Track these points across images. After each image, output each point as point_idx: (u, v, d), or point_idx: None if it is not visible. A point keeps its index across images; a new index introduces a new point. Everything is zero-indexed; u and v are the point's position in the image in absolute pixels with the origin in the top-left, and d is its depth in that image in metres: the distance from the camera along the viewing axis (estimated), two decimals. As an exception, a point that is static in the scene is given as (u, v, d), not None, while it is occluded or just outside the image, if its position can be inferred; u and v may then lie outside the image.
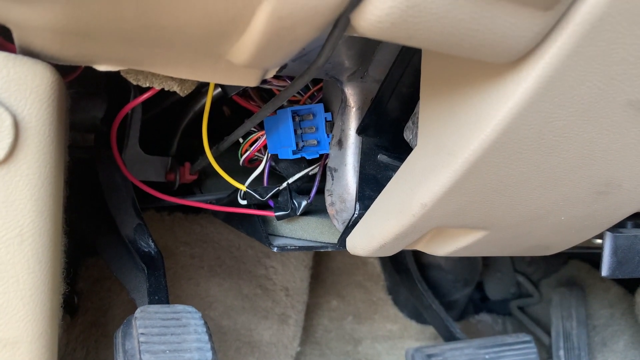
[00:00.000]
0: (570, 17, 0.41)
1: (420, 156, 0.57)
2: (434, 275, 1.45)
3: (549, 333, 1.52)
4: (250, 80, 0.51)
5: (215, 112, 0.94)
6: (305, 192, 0.84)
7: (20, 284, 0.48)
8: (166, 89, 0.55)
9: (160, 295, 0.67)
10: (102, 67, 0.50)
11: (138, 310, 0.59)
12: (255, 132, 0.80)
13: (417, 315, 1.51)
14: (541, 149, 0.52)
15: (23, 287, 0.49)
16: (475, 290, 1.61)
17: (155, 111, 0.96)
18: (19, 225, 0.47)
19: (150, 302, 0.66)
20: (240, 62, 0.43)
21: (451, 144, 0.53)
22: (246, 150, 0.81)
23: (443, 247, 0.70)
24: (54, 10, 0.37)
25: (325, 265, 1.48)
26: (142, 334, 0.56)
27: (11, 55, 0.46)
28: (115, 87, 0.73)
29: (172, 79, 0.55)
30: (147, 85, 0.54)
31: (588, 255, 1.55)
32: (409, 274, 1.33)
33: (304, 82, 0.56)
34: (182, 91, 0.56)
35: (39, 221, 0.49)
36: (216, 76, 0.51)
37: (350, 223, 0.68)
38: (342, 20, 0.39)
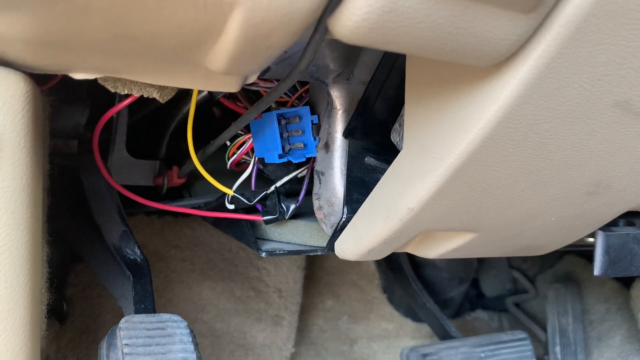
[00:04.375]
0: (553, 18, 0.40)
1: (406, 160, 0.56)
2: (428, 273, 1.45)
3: (545, 329, 1.51)
4: (230, 86, 0.50)
5: (206, 113, 0.93)
6: (294, 194, 0.83)
7: (-3, 299, 0.47)
8: (145, 95, 0.54)
9: (147, 303, 0.66)
10: (78, 76, 0.49)
11: (122, 320, 0.58)
12: (242, 134, 0.79)
13: (413, 313, 1.50)
14: (528, 151, 0.51)
15: (0, 301, 0.47)
16: (470, 287, 1.60)
17: (143, 114, 0.95)
18: (-6, 239, 0.46)
19: (137, 311, 0.65)
20: (217, 69, 0.42)
21: (437, 147, 0.52)
22: (233, 154, 0.79)
23: (433, 250, 0.69)
24: (21, 22, 0.36)
25: (319, 264, 1.47)
26: (126, 344, 0.55)
27: (-17, 66, 0.45)
28: (98, 92, 0.72)
29: (151, 85, 0.54)
30: (126, 92, 0.53)
31: (583, 250, 1.54)
32: (403, 272, 1.32)
33: (287, 87, 0.55)
34: (161, 98, 0.55)
35: (15, 234, 0.48)
36: (195, 83, 0.50)
37: (339, 227, 0.67)
38: (321, 25, 0.38)
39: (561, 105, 0.47)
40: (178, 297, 1.13)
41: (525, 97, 0.45)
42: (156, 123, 0.98)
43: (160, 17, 0.35)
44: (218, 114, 0.98)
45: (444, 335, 1.24)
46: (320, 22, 0.38)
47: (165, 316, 0.60)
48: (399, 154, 0.57)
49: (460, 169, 0.51)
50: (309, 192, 0.76)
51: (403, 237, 0.60)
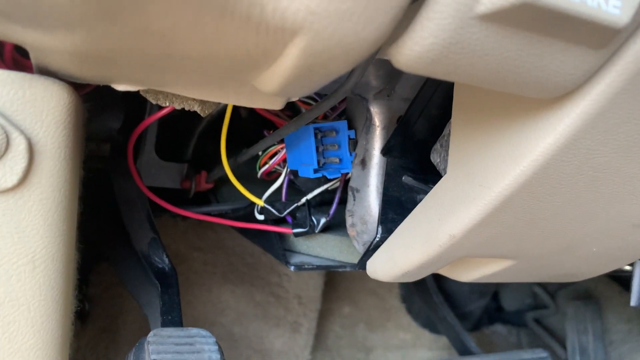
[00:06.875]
0: (622, 54, 0.39)
1: (450, 185, 0.54)
2: (449, 285, 1.43)
3: (564, 346, 1.49)
4: (275, 105, 0.49)
5: (232, 113, 0.91)
6: (325, 203, 0.82)
7: (31, 312, 0.47)
8: (187, 108, 0.53)
9: (174, 315, 0.65)
10: (121, 87, 0.48)
11: (151, 334, 0.57)
12: (274, 144, 0.77)
13: (431, 324, 1.48)
14: (579, 184, 0.49)
15: (34, 314, 0.47)
16: (490, 300, 1.58)
17: (172, 114, 0.94)
18: (31, 251, 0.46)
19: (163, 322, 0.64)
20: (266, 91, 0.41)
21: (484, 175, 0.50)
22: (265, 163, 0.78)
23: (468, 274, 0.67)
24: (73, 39, 0.35)
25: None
26: (155, 359, 0.54)
27: (27, 76, 0.44)
28: (133, 97, 0.71)
29: (193, 99, 0.53)
30: (167, 104, 0.52)
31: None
32: (424, 284, 1.30)
33: (330, 105, 0.53)
34: (202, 111, 0.54)
35: (51, 247, 0.47)
36: (240, 99, 0.49)
37: (372, 246, 0.66)
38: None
39: (619, 141, 0.45)
40: (198, 299, 1.13)
41: (582, 132, 0.43)
42: (185, 123, 0.96)
43: (218, 40, 0.33)
44: (244, 114, 0.96)
45: (462, 349, 1.22)
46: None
47: (193, 331, 0.59)
48: (442, 179, 0.55)
49: (508, 199, 0.49)
50: (343, 201, 0.75)
51: (441, 262, 0.59)
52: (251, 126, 0.91)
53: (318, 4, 0.30)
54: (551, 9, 0.32)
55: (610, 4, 0.33)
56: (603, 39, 0.36)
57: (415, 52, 0.35)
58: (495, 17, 0.33)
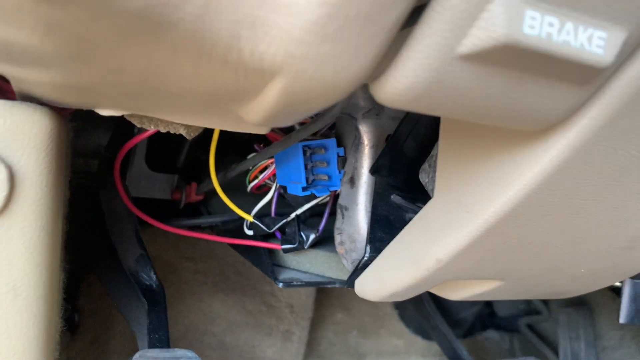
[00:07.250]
0: (607, 89, 0.38)
1: (437, 210, 0.54)
2: (442, 293, 1.42)
3: (556, 352, 1.49)
4: (259, 130, 0.49)
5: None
6: (315, 216, 0.81)
7: (12, 341, 0.46)
8: (172, 132, 0.53)
9: (161, 333, 0.64)
10: (104, 112, 0.47)
11: (136, 355, 0.57)
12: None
13: (424, 331, 1.48)
14: (566, 211, 0.49)
15: (15, 343, 0.46)
16: (483, 305, 1.58)
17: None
18: (12, 280, 0.45)
19: (150, 341, 0.63)
20: (250, 122, 0.40)
21: (471, 201, 0.50)
22: (255, 177, 0.78)
23: (456, 293, 0.67)
24: (49, 74, 0.34)
25: (332, 277, 1.45)
26: (139, 383, 0.54)
27: (8, 103, 0.44)
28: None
29: (178, 123, 0.52)
30: (152, 128, 0.51)
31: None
32: (416, 291, 1.30)
33: (317, 128, 0.53)
34: (188, 134, 0.53)
35: (34, 274, 0.46)
36: (225, 125, 0.48)
37: (360, 265, 0.66)
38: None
39: (606, 171, 0.45)
40: (189, 309, 1.12)
41: (568, 163, 0.43)
42: (175, 134, 0.96)
43: (196, 79, 0.33)
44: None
45: (454, 356, 1.22)
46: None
47: (179, 352, 0.59)
48: (430, 202, 0.55)
49: (494, 226, 0.49)
50: (333, 213, 0.74)
51: (428, 284, 0.58)
52: (242, 136, 0.90)
53: (296, 47, 0.29)
54: (533, 50, 0.32)
55: (594, 43, 0.33)
56: (587, 77, 0.35)
57: (396, 90, 0.34)
58: (477, 58, 0.32)
